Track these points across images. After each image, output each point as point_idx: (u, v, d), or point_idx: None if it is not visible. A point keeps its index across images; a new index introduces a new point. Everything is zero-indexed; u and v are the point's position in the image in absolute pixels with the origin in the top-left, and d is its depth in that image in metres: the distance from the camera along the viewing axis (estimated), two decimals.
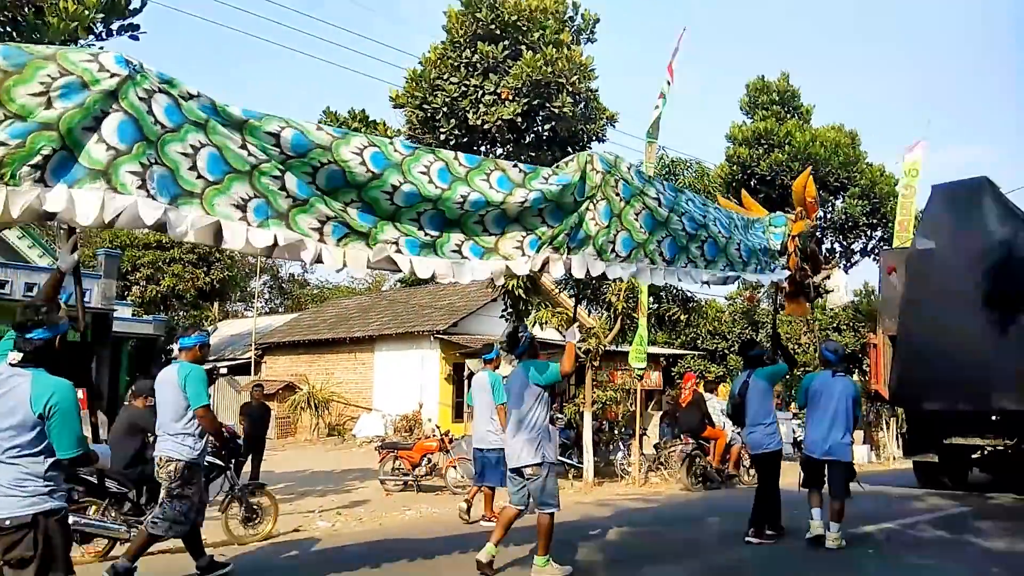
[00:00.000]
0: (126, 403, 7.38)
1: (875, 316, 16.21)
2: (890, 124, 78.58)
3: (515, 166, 5.08)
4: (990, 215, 10.20)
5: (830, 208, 21.27)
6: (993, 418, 9.78)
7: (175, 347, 5.98)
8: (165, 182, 3.69)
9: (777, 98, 21.48)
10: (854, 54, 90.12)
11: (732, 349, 21.73)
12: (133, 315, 16.19)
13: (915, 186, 16.06)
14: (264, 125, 4.09)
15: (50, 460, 3.23)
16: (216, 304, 37.12)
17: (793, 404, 17.92)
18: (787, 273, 6.94)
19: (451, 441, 11.43)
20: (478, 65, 10.69)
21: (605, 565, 5.83)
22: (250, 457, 10.95)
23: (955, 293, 9.96)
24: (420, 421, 19.91)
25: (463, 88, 10.72)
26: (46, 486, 3.21)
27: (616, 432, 15.09)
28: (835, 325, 20.76)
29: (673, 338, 22.13)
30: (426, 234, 4.63)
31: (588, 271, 5.15)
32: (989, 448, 10.24)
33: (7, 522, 3.11)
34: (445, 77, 10.80)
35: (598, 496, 10.98)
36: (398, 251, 4.50)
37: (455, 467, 11.08)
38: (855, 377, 8.70)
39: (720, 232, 6.03)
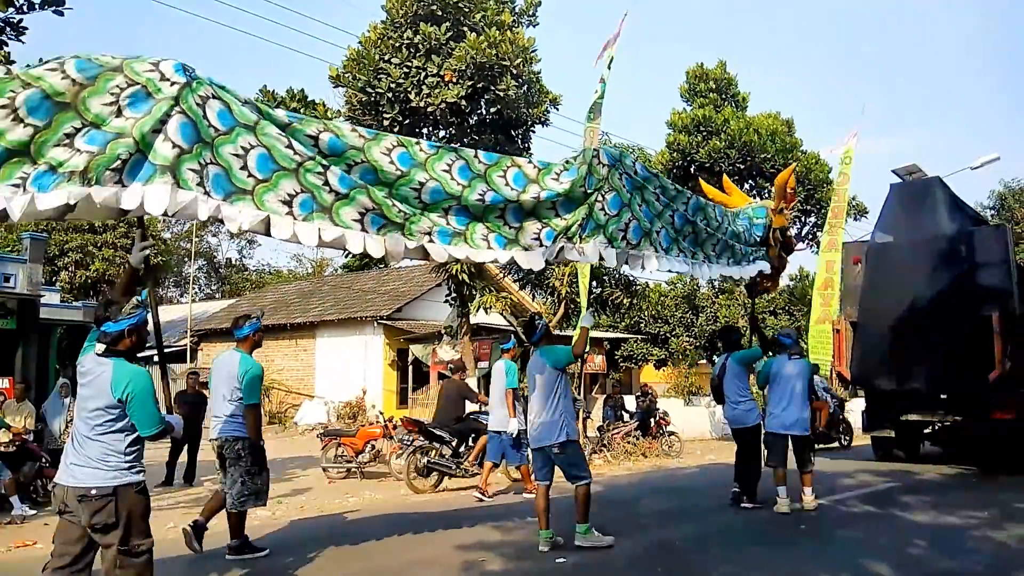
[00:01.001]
0: (448, 376, 9.84)
1: (811, 300, 16.58)
2: (826, 112, 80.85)
3: (529, 162, 5.43)
4: (941, 211, 11.10)
5: (767, 194, 21.68)
6: (942, 397, 10.61)
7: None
8: (220, 180, 4.07)
9: (715, 86, 21.70)
10: (791, 42, 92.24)
11: (674, 333, 22.09)
12: (62, 301, 15.55)
13: (848, 173, 16.42)
14: (305, 128, 4.50)
15: (131, 437, 3.71)
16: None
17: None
18: (766, 265, 7.38)
19: (395, 427, 11.32)
20: (420, 46, 10.54)
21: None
22: (186, 447, 10.69)
23: (910, 283, 10.83)
24: (364, 408, 19.69)
25: (405, 70, 10.56)
26: (126, 462, 3.68)
27: None
28: (772, 309, 21.31)
29: (616, 321, 22.39)
30: (455, 226, 4.99)
31: (601, 258, 5.50)
32: (939, 424, 11.12)
33: (93, 491, 3.58)
34: (387, 59, 10.62)
35: None
36: (431, 241, 4.89)
37: (399, 453, 10.98)
38: None
39: (704, 228, 6.41)
